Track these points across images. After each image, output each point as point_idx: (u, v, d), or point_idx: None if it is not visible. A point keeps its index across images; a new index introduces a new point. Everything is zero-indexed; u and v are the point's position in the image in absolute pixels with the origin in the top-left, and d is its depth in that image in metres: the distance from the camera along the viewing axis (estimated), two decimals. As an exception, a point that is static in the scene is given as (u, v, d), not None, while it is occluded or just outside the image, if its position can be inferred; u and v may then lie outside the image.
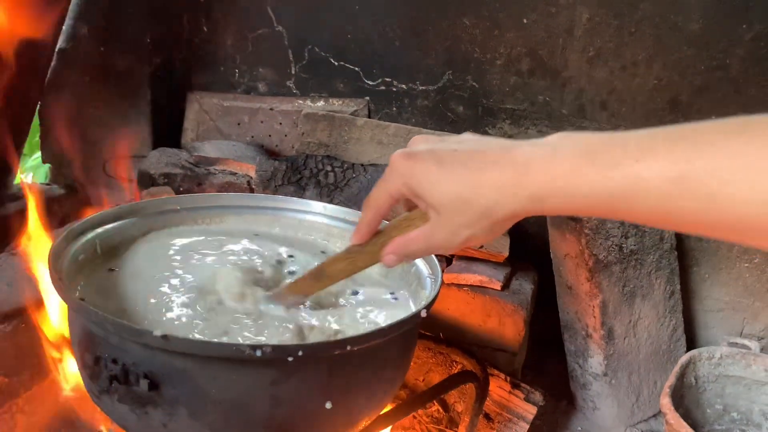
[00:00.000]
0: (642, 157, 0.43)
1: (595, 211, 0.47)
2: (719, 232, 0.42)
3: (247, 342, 0.60)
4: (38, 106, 1.51)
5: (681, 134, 0.42)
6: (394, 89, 1.48)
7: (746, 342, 1.21)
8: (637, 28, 1.27)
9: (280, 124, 1.55)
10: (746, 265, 1.32)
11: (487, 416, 1.07)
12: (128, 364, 0.57)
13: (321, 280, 0.69)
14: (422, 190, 0.53)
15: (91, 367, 0.61)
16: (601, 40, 1.30)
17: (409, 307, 0.76)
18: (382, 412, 0.75)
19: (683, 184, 0.41)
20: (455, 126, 1.43)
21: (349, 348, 0.57)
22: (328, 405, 0.60)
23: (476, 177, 0.50)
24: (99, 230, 0.79)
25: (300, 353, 0.55)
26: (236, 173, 1.30)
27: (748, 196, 0.38)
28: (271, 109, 1.56)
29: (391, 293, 0.78)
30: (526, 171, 0.48)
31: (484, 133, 1.41)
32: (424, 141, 0.56)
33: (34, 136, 1.60)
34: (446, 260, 1.24)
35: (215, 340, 0.61)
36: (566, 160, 0.46)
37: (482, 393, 0.93)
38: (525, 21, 1.33)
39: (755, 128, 0.39)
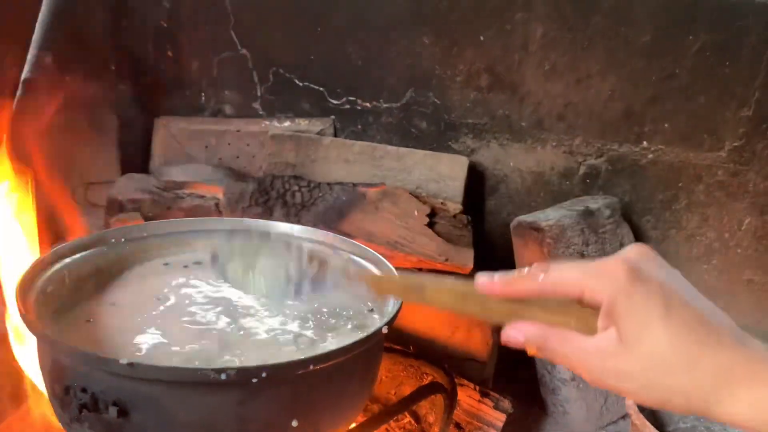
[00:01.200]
0: None
1: None
2: None
3: (215, 366, 0.62)
4: (5, 136, 1.51)
5: None
6: (359, 107, 1.51)
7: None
8: (589, 41, 1.32)
9: (248, 145, 1.57)
10: (705, 266, 1.36)
11: (458, 426, 1.10)
12: (97, 392, 0.59)
13: (413, 293, 0.60)
14: (624, 320, 0.45)
15: (61, 397, 0.62)
16: (556, 55, 1.34)
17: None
18: (351, 426, 0.77)
19: None
20: (419, 141, 1.46)
21: (312, 367, 0.59)
22: (294, 423, 0.62)
23: (695, 351, 0.43)
24: (67, 260, 0.80)
25: (264, 374, 0.57)
26: (204, 196, 1.31)
27: None
28: (238, 131, 1.58)
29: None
30: (751, 373, 0.42)
31: (449, 148, 1.44)
32: (658, 266, 0.47)
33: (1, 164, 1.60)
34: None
35: (180, 365, 0.62)
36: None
37: (451, 403, 0.95)
38: (482, 38, 1.37)
39: None
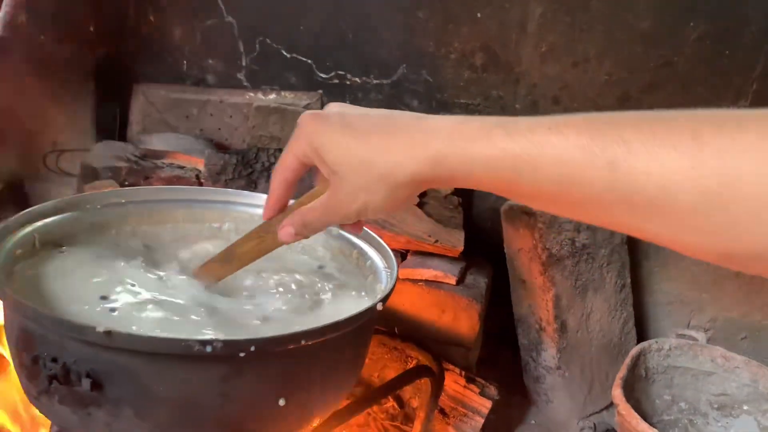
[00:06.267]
0: (554, 126, 0.42)
1: (495, 179, 0.45)
2: (614, 211, 0.41)
3: (197, 337, 0.58)
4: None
5: (599, 115, 0.42)
6: (348, 83, 1.46)
7: (693, 333, 1.24)
8: (588, 24, 1.29)
9: (231, 117, 1.52)
10: (693, 259, 1.35)
11: (442, 411, 1.07)
12: (69, 362, 0.54)
13: (231, 263, 0.66)
14: (325, 151, 0.51)
15: (28, 367, 0.57)
16: (554, 36, 1.31)
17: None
18: (337, 409, 0.73)
19: (588, 151, 0.40)
20: (409, 120, 1.42)
21: (303, 342, 0.55)
22: (281, 402, 0.58)
23: (380, 140, 0.49)
24: (38, 224, 0.75)
25: (252, 348, 0.52)
26: (184, 167, 1.26)
27: (650, 168, 0.38)
28: (221, 101, 1.52)
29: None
30: (432, 135, 0.47)
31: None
32: (338, 105, 0.55)
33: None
34: (401, 255, 1.23)
35: (163, 335, 0.58)
36: (474, 125, 0.46)
37: (437, 388, 0.92)
38: (479, 15, 1.33)
39: (672, 115, 0.39)
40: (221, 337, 0.56)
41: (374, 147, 0.49)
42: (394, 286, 0.67)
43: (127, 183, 1.21)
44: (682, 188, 0.37)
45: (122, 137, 1.52)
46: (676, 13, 1.25)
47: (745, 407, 1.16)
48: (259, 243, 0.63)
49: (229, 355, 0.53)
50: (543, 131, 0.42)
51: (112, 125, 1.53)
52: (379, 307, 0.63)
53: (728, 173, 0.35)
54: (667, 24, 1.26)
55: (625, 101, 1.30)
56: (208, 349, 0.51)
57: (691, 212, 0.37)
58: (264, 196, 0.89)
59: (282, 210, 0.61)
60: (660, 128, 0.38)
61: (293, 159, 0.55)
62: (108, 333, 0.51)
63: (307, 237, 0.60)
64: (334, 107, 0.55)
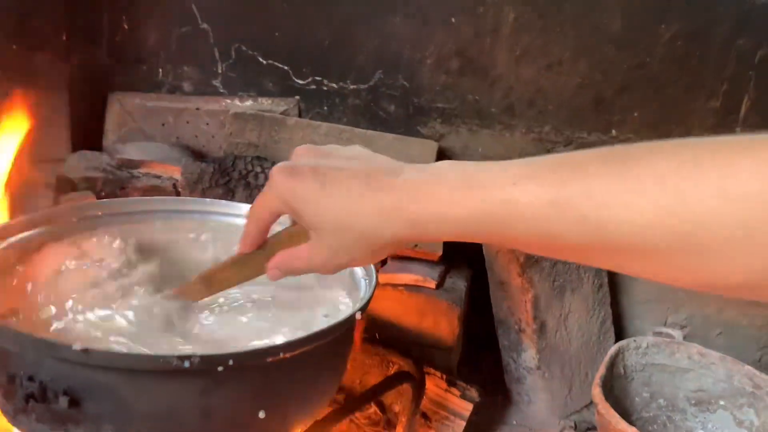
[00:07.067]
0: (519, 181, 0.42)
1: (472, 236, 0.46)
2: (594, 257, 0.42)
3: (175, 353, 0.58)
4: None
5: (562, 161, 0.42)
6: (325, 88, 1.46)
7: (670, 331, 1.25)
8: (561, 27, 1.30)
9: (207, 124, 1.51)
10: (668, 256, 1.37)
11: (424, 415, 1.07)
12: (45, 380, 0.54)
13: (210, 287, 0.68)
14: (302, 212, 0.51)
15: (5, 386, 0.57)
16: (527, 39, 1.32)
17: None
18: (318, 418, 0.74)
19: (557, 207, 0.40)
20: (387, 125, 1.43)
21: (282, 355, 0.55)
22: (261, 414, 0.58)
23: (357, 203, 0.49)
24: (12, 239, 0.74)
25: (231, 362, 0.53)
26: (161, 176, 1.25)
27: (620, 217, 0.38)
28: (197, 109, 1.51)
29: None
30: (407, 198, 0.47)
31: (417, 133, 1.41)
32: (309, 153, 0.54)
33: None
34: (381, 260, 1.23)
35: (141, 351, 0.58)
36: (445, 186, 0.46)
37: (419, 393, 0.93)
38: (453, 20, 1.34)
39: (633, 155, 0.39)
40: (198, 351, 0.56)
41: (352, 210, 0.49)
42: (371, 295, 0.68)
43: (103, 194, 1.20)
44: (654, 233, 0.37)
45: (98, 147, 1.51)
46: (647, 14, 1.27)
47: (722, 402, 1.18)
48: (237, 272, 0.65)
49: (208, 370, 0.53)
50: (507, 187, 0.43)
51: (88, 135, 1.52)
52: (358, 316, 0.63)
53: (694, 217, 0.36)
54: (638, 26, 1.27)
55: (599, 103, 1.32)
56: (186, 364, 0.51)
57: (667, 253, 0.38)
58: (241, 205, 0.91)
59: (257, 246, 0.61)
60: (625, 172, 0.38)
61: (266, 211, 0.56)
62: (85, 350, 0.50)
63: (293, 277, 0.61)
64: (305, 157, 0.54)
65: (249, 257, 0.62)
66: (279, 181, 0.52)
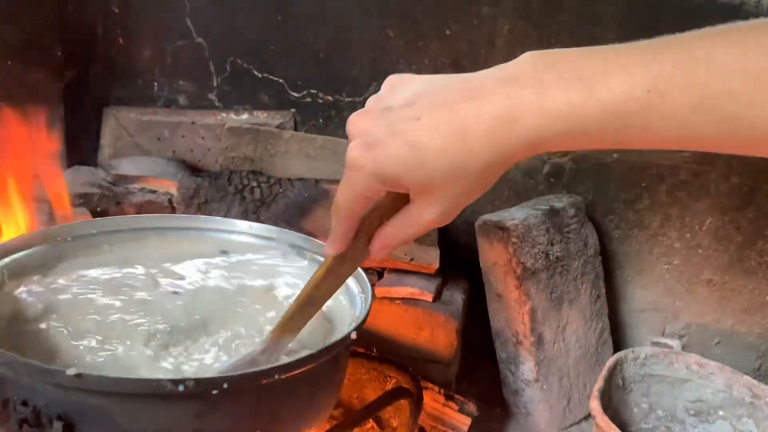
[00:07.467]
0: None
1: (599, 140, 0.44)
2: (735, 150, 0.43)
3: (169, 377, 0.58)
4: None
5: (694, 54, 0.42)
6: (320, 101, 1.46)
7: (668, 341, 1.25)
8: (556, 39, 1.30)
9: (203, 138, 1.51)
10: (666, 266, 1.37)
11: (422, 430, 1.07)
12: (40, 405, 0.54)
13: (311, 308, 0.62)
14: (402, 179, 0.47)
15: (-2, 411, 0.57)
16: (522, 50, 1.31)
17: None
18: (315, 436, 0.73)
19: (703, 110, 0.40)
20: (382, 137, 1.43)
21: (276, 377, 0.55)
22: (258, 436, 0.58)
23: (461, 143, 0.45)
24: (6, 260, 0.74)
25: (225, 386, 0.52)
26: (156, 191, 1.25)
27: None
28: (193, 122, 1.51)
29: None
30: (516, 121, 0.44)
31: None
32: (367, 118, 0.49)
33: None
34: (378, 273, 1.23)
35: (132, 376, 0.57)
36: (560, 92, 0.43)
37: (417, 408, 0.92)
38: (448, 32, 1.35)
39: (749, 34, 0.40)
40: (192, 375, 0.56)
41: (458, 152, 0.45)
42: (367, 313, 0.67)
43: (99, 209, 1.20)
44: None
45: (93, 162, 1.51)
46: (641, 25, 1.27)
47: (721, 413, 1.18)
48: (336, 278, 0.60)
49: (202, 393, 0.53)
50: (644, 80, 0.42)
51: (83, 150, 1.52)
52: (353, 336, 0.63)
53: None
54: (634, 37, 1.27)
55: (594, 114, 1.32)
56: (181, 388, 0.51)
57: None
58: (238, 222, 0.91)
59: (351, 242, 0.56)
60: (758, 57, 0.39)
61: (360, 199, 0.51)
62: (78, 375, 0.50)
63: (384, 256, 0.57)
64: (364, 122, 0.49)
65: (343, 257, 0.57)
66: (363, 160, 0.47)
